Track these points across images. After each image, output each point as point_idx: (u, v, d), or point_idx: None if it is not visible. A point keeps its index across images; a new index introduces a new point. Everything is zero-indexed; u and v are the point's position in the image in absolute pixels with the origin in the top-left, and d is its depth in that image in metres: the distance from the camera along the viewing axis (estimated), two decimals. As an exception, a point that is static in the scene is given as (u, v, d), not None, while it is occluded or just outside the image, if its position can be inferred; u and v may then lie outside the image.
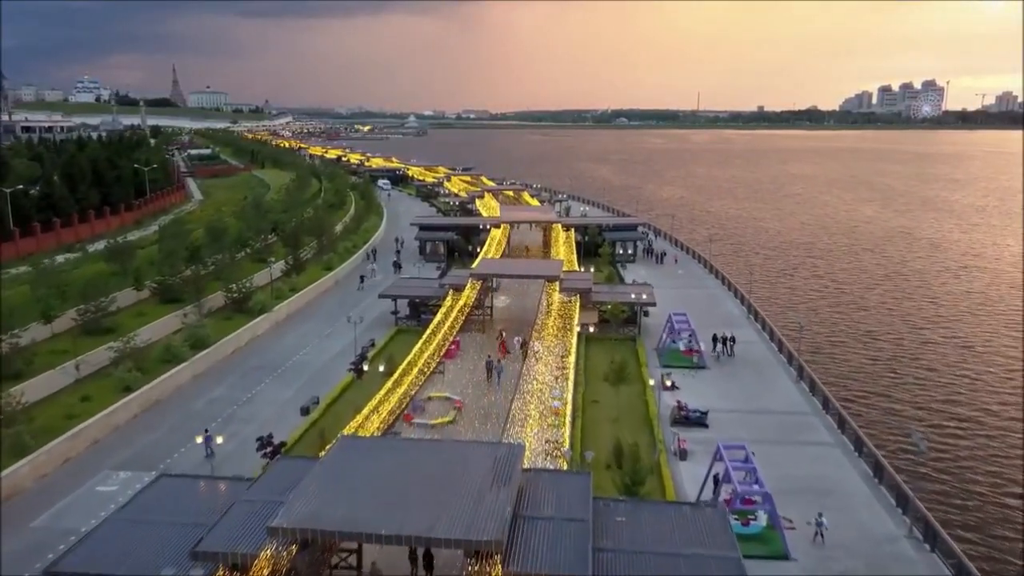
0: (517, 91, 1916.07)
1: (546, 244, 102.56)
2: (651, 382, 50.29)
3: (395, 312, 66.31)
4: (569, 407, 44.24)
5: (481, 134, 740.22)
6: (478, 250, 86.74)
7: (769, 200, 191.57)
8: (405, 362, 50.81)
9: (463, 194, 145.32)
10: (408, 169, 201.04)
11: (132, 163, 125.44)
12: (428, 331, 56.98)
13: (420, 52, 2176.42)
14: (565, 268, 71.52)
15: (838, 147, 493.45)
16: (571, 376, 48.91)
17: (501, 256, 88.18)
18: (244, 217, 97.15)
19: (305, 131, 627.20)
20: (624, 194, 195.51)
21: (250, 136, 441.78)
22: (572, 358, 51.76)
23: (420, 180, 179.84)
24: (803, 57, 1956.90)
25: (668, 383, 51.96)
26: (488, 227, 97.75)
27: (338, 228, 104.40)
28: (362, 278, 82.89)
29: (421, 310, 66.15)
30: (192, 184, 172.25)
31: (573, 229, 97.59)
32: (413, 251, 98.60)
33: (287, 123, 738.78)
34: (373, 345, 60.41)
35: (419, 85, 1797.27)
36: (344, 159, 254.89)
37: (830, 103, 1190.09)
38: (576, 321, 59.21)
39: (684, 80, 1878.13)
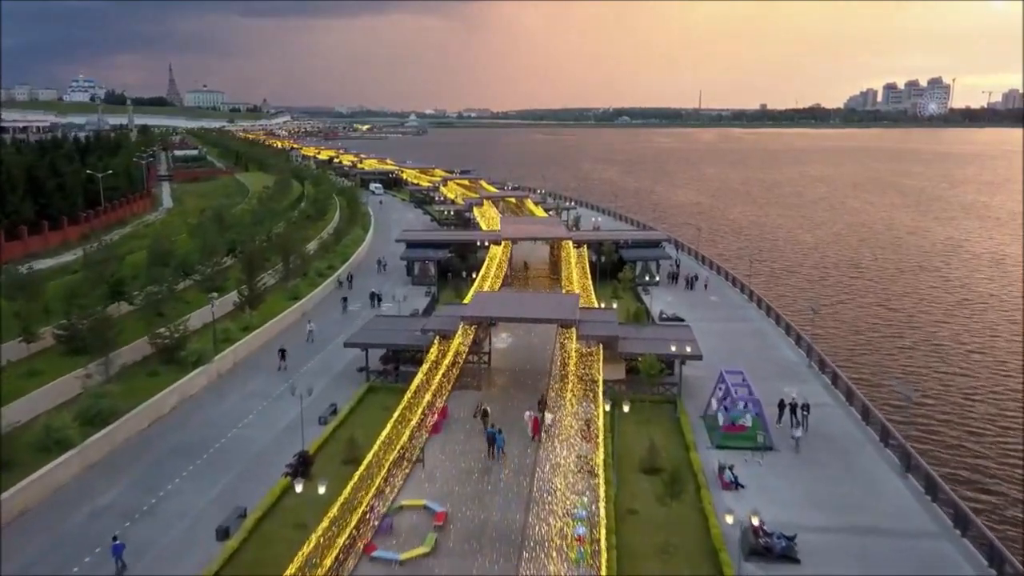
0: (519, 90, 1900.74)
1: (554, 263, 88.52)
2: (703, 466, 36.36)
3: (364, 368, 52.19)
4: (602, 525, 30.48)
5: (482, 133, 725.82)
6: (474, 276, 72.65)
7: (793, 206, 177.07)
8: (372, 450, 36.85)
9: (460, 201, 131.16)
10: (402, 172, 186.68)
11: (89, 168, 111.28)
12: (407, 397, 43.07)
13: (422, 51, 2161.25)
14: (582, 303, 57.55)
15: (849, 146, 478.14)
16: (600, 473, 35.01)
17: (502, 282, 74.19)
18: (202, 233, 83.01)
19: (302, 131, 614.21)
20: (636, 199, 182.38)
21: (245, 136, 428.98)
22: (601, 442, 37.79)
23: (415, 184, 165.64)
24: (805, 56, 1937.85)
25: (729, 478, 38.05)
26: (487, 243, 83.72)
27: (312, 246, 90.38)
28: (345, 301, 69.45)
29: (400, 361, 52.21)
30: (166, 190, 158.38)
31: (586, 246, 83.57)
32: (399, 271, 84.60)
33: (284, 122, 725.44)
34: (334, 413, 46.44)
35: (421, 84, 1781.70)
36: (336, 160, 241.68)
37: (833, 101, 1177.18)
38: (600, 379, 45.36)
39: (686, 78, 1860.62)
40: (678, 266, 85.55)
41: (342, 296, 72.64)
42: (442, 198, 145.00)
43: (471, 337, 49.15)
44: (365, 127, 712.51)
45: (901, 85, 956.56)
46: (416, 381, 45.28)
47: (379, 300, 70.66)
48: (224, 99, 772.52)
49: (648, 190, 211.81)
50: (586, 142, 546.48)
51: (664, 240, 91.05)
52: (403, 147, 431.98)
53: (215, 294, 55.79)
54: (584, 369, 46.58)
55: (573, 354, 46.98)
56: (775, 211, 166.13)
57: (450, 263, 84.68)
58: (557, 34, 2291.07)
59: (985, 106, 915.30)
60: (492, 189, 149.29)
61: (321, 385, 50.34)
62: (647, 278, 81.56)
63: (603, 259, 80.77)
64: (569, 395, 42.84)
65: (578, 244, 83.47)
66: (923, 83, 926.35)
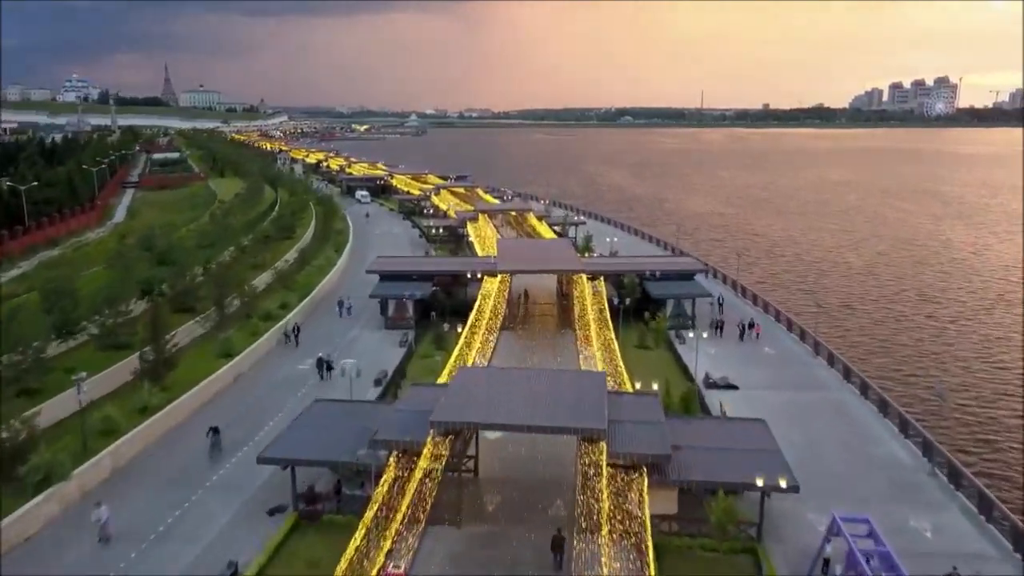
0: (520, 90, 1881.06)
1: (563, 297, 72.08)
2: None
3: (285, 505, 35.23)
4: None
5: (483, 134, 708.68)
6: (459, 329, 56.00)
7: (824, 216, 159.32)
8: None
9: (452, 214, 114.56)
10: (392, 178, 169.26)
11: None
12: (346, 558, 26.84)
13: (424, 51, 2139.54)
14: (611, 383, 40.92)
15: (863, 147, 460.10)
16: None
17: (499, 328, 57.69)
18: (123, 264, 66.39)
19: (299, 131, 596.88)
20: (649, 209, 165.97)
21: (235, 137, 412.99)
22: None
23: (405, 193, 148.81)
24: (807, 55, 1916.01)
25: None
26: (479, 275, 67.22)
27: (265, 277, 73.85)
28: (323, 367, 52.17)
29: (342, 485, 35.56)
30: (126, 199, 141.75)
31: (602, 279, 67.03)
32: (370, 311, 68.03)
33: (281, 123, 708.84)
34: (235, 574, 29.94)
35: (422, 84, 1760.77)
36: (325, 165, 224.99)
37: (836, 100, 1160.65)
38: (645, 512, 29.20)
39: (687, 78, 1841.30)
40: (721, 306, 68.61)
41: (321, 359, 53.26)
42: (431, 209, 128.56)
43: (446, 451, 32.55)
44: (363, 127, 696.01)
45: (907, 84, 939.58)
46: (359, 532, 28.82)
47: (329, 368, 51.63)
48: (220, 99, 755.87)
49: (661, 197, 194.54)
50: (589, 143, 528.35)
51: (699, 271, 74.52)
52: (400, 149, 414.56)
53: (83, 374, 38.85)
54: (621, 492, 30.52)
55: (605, 476, 30.49)
56: (806, 223, 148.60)
57: (434, 299, 68.17)
58: (558, 34, 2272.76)
59: (990, 105, 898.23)
60: (490, 199, 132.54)
61: (219, 524, 33.85)
62: (680, 316, 65.17)
63: (626, 300, 63.95)
64: (604, 546, 26.63)
65: (593, 276, 67.04)
66: (929, 82, 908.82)
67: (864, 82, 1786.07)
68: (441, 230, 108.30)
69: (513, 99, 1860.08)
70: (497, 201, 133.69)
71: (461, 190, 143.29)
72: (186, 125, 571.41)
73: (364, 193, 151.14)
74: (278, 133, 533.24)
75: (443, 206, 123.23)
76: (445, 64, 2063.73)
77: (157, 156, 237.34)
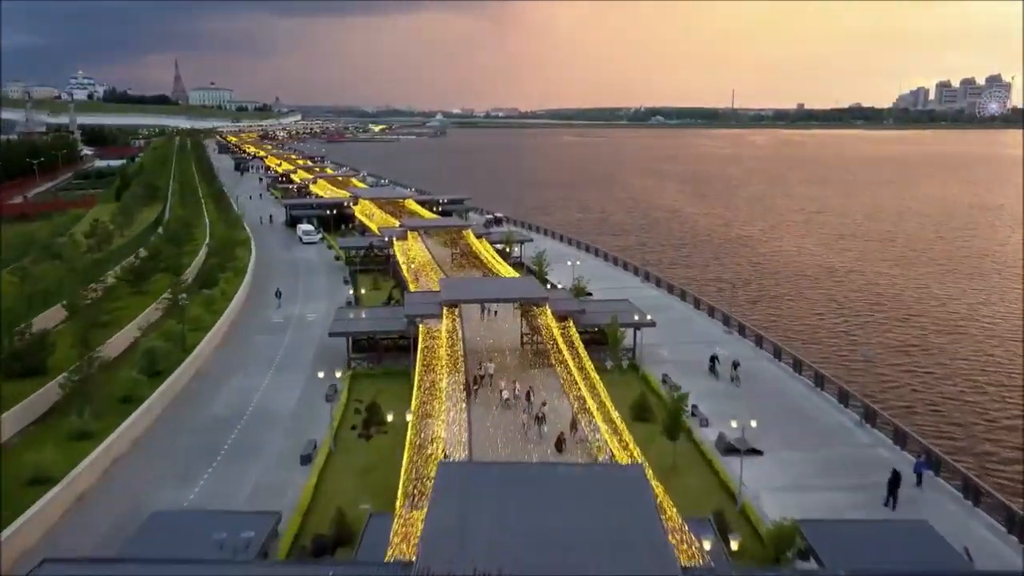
0: (547, 89, 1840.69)
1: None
2: None
3: None
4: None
5: (507, 134, 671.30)
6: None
7: (986, 271, 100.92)
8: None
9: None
10: (353, 206, 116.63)
11: None
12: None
13: (451, 50, 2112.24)
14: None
15: (929, 152, 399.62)
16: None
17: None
18: None
19: (309, 130, 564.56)
20: (731, 250, 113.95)
21: (231, 139, 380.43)
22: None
23: (366, 230, 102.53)
24: (838, 54, 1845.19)
25: None
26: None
27: None
28: None
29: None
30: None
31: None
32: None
33: (294, 122, 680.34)
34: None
35: (448, 83, 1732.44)
36: (288, 179, 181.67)
37: (873, 100, 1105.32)
38: None
39: (716, 77, 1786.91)
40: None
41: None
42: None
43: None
44: (379, 128, 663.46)
45: (955, 83, 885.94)
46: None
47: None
48: (232, 97, 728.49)
49: (745, 234, 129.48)
50: (621, 146, 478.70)
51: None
52: (410, 153, 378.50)
53: None
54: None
55: None
56: (974, 285, 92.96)
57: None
58: (585, 33, 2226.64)
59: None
60: (485, 254, 78.30)
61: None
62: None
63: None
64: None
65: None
66: (980, 80, 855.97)
67: (904, 81, 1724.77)
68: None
69: (540, 99, 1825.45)
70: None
71: (446, 234, 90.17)
72: (191, 125, 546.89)
73: (308, 228, 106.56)
74: (282, 134, 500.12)
75: (403, 266, 79.41)
76: (472, 63, 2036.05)
77: (100, 164, 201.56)
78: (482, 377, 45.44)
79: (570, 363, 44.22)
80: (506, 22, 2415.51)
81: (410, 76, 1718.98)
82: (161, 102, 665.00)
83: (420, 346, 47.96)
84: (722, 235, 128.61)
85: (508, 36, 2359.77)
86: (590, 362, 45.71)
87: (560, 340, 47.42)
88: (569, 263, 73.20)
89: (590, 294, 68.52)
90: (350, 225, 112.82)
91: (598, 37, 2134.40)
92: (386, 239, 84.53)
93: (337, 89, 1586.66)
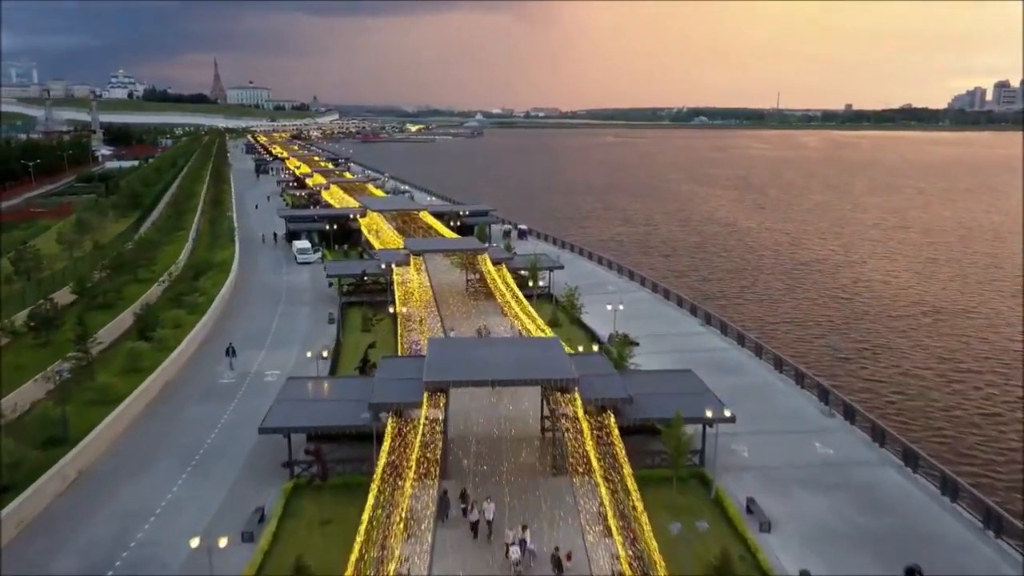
0: (588, 89, 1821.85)
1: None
2: None
3: None
4: None
5: (546, 135, 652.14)
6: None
7: None
8: None
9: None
10: (360, 219, 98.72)
11: None
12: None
13: (491, 50, 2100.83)
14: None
15: (999, 155, 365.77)
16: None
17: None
18: None
19: (345, 130, 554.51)
20: (807, 277, 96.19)
21: (260, 138, 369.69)
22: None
23: (368, 246, 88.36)
24: (886, 54, 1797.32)
25: None
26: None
27: None
28: None
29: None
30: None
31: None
32: None
33: (331, 121, 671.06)
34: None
35: (489, 83, 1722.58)
36: (308, 181, 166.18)
37: (924, 100, 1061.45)
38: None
39: (760, 77, 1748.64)
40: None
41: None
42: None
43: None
44: (415, 128, 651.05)
45: (1015, 83, 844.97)
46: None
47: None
48: (269, 96, 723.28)
49: (821, 256, 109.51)
50: (665, 148, 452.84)
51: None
52: (442, 155, 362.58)
53: None
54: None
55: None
56: None
57: None
58: (626, 32, 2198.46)
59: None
60: (503, 288, 62.77)
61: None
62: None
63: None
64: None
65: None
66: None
67: (951, 81, 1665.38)
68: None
69: (580, 98, 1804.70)
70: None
71: (459, 257, 76.39)
72: (228, 124, 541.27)
73: (304, 246, 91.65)
74: (316, 133, 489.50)
75: (398, 297, 64.72)
76: (512, 63, 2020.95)
77: (111, 165, 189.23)
78: (476, 524, 29.18)
79: (605, 500, 27.62)
80: (546, 21, 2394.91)
81: (450, 76, 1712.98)
82: (200, 101, 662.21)
83: (385, 447, 31.95)
84: (791, 256, 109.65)
85: (547, 35, 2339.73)
86: (632, 479, 29.71)
87: (591, 449, 30.83)
88: (609, 307, 55.84)
89: (636, 343, 52.86)
90: (354, 242, 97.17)
91: (638, 37, 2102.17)
92: (383, 265, 68.51)
93: (377, 89, 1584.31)
